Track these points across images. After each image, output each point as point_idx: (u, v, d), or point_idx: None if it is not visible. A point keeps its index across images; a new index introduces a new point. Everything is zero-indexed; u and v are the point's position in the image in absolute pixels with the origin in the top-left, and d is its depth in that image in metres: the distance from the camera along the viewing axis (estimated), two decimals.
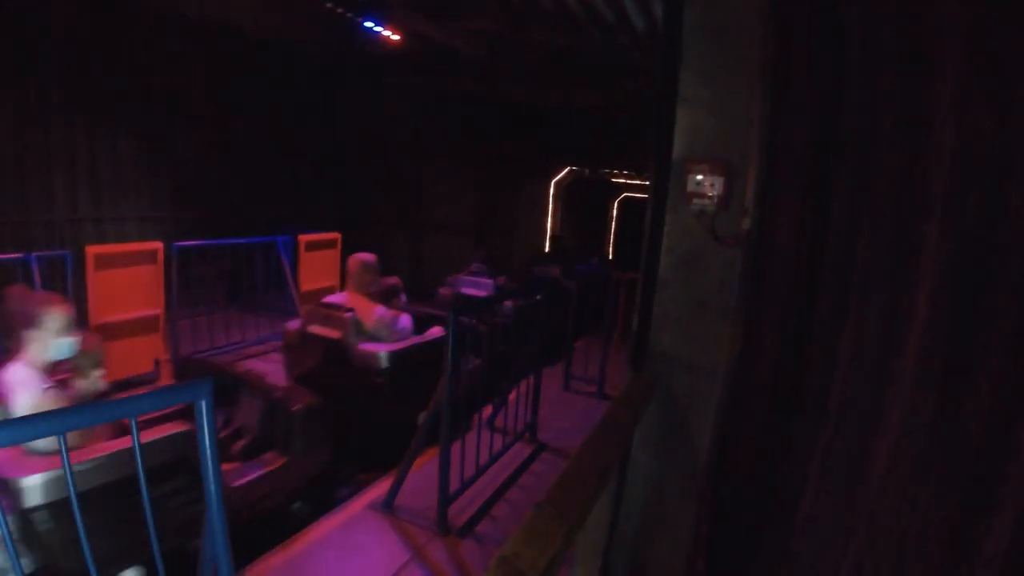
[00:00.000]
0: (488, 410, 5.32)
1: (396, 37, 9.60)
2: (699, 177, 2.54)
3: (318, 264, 8.95)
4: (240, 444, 4.36)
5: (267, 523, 3.99)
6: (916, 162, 1.88)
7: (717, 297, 2.59)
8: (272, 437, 4.34)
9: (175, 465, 3.38)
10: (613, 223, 21.66)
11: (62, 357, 3.40)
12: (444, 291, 7.84)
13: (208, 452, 1.94)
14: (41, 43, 7.87)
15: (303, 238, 8.61)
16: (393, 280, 5.93)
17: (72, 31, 8.18)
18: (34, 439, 1.61)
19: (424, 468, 4.45)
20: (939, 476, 1.73)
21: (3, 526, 1.55)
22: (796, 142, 2.47)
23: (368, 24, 8.95)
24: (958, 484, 1.68)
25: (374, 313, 5.48)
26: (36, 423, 1.60)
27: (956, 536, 1.66)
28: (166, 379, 6.37)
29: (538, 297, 5.37)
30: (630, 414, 2.46)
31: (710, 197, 2.52)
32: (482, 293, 7.16)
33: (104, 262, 6.17)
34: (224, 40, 10.14)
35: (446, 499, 3.96)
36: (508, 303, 6.13)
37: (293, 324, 5.82)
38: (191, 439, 3.18)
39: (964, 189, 1.71)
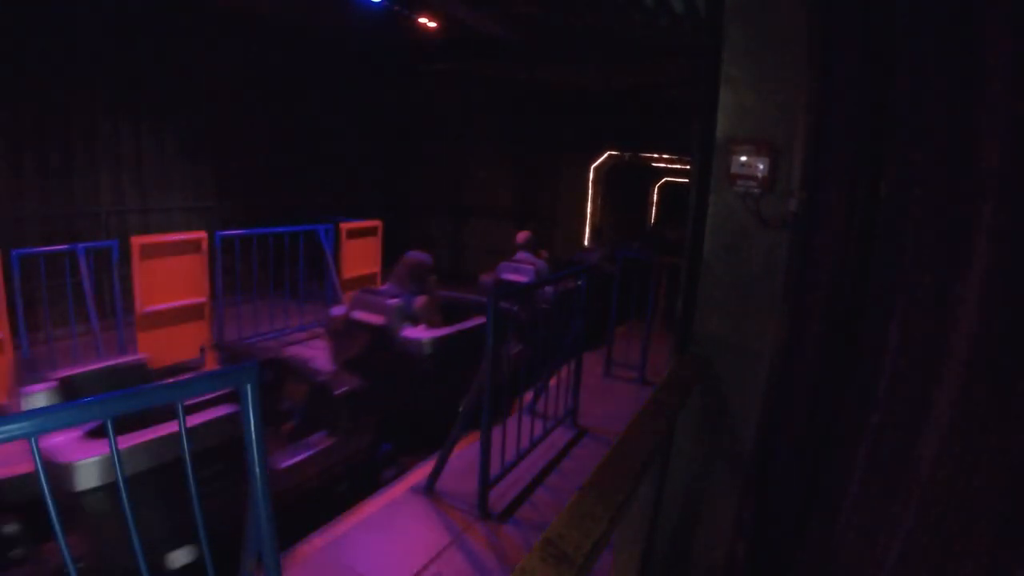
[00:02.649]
0: (529, 396, 5.34)
1: (433, 24, 9.59)
2: (743, 158, 2.49)
3: (359, 251, 9.03)
4: (288, 426, 4.46)
5: (313, 503, 4.05)
6: (967, 138, 1.82)
7: (763, 280, 2.54)
8: (317, 420, 4.43)
9: (226, 447, 3.42)
10: (654, 208, 21.46)
11: None
12: (485, 278, 7.86)
13: (253, 435, 1.96)
14: (86, 39, 8.03)
15: (344, 226, 8.68)
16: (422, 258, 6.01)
17: (115, 26, 8.32)
18: (81, 423, 1.64)
19: (465, 453, 4.48)
20: (991, 463, 1.69)
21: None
22: (843, 121, 2.40)
23: (406, 12, 8.96)
24: (1011, 471, 1.63)
25: (418, 300, 5.62)
26: (85, 408, 1.63)
27: (1006, 525, 1.61)
28: (211, 365, 6.50)
29: (578, 283, 5.35)
30: (674, 398, 2.43)
31: (755, 178, 2.47)
32: (523, 279, 7.18)
33: (149, 252, 6.30)
34: (264, 31, 10.25)
35: (487, 483, 3.98)
36: (549, 289, 6.15)
37: (338, 310, 5.93)
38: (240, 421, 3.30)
39: (1018, 165, 1.65)
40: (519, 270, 7.44)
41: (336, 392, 4.42)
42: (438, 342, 5.32)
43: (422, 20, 9.47)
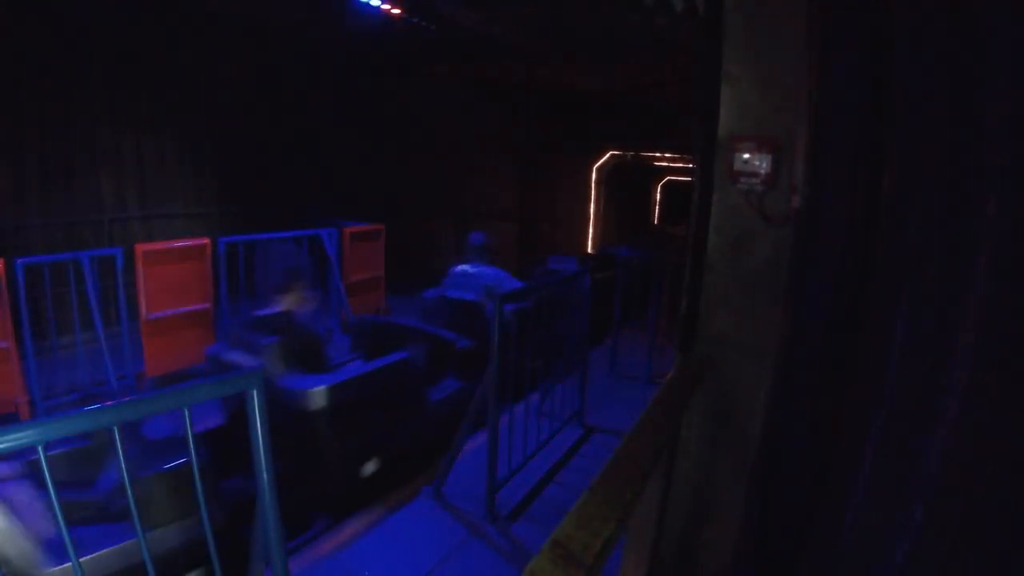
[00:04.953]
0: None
1: (433, 27, 9.59)
2: (746, 155, 2.49)
3: (363, 255, 9.04)
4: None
5: (452, 431, 4.52)
6: (970, 131, 1.81)
7: (767, 277, 2.54)
8: (440, 370, 5.76)
9: (402, 384, 4.88)
10: (656, 207, 21.46)
11: None
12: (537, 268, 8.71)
13: (260, 440, 1.96)
14: (85, 47, 8.04)
15: (348, 230, 8.69)
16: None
17: (115, 34, 8.34)
18: (89, 430, 1.65)
19: (473, 455, 4.48)
20: (1000, 457, 1.68)
21: None
22: (845, 116, 2.40)
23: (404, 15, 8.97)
24: (1020, 466, 1.62)
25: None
26: (93, 415, 1.64)
27: (1017, 519, 1.61)
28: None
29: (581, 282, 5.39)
30: (679, 397, 2.43)
31: (757, 175, 2.47)
32: (573, 268, 7.81)
33: (153, 259, 6.31)
34: (263, 37, 10.26)
35: (494, 485, 3.98)
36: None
37: (430, 293, 6.90)
38: (415, 364, 5.00)
39: (1022, 158, 1.65)
40: (564, 260, 8.53)
41: (458, 346, 5.78)
42: (519, 312, 5.74)
43: (422, 23, 9.47)
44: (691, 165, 2.82)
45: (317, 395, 3.99)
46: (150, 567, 1.80)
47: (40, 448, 1.51)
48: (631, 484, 1.72)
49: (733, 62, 2.52)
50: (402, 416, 4.92)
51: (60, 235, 7.90)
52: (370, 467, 4.62)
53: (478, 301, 6.23)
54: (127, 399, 1.73)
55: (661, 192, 21.34)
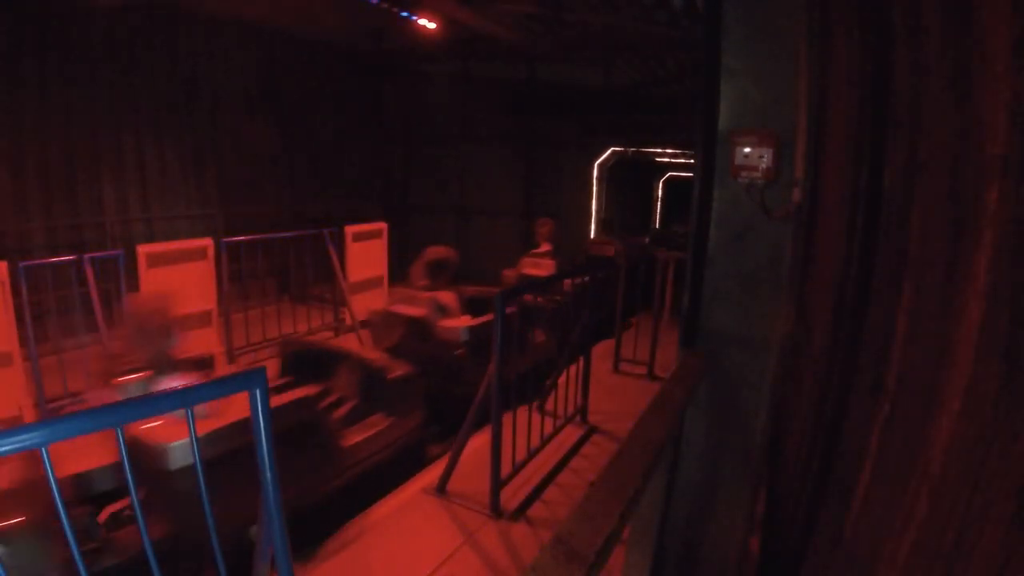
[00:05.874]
0: (547, 382, 5.37)
1: (433, 25, 9.59)
2: (747, 149, 2.48)
3: (365, 254, 9.03)
4: (342, 411, 4.85)
5: (374, 478, 4.42)
6: (970, 123, 1.80)
7: (768, 272, 2.53)
8: (372, 403, 5.00)
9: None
10: (659, 203, 21.43)
11: None
12: (508, 273, 8.33)
13: (264, 439, 1.96)
14: (87, 50, 8.05)
15: (349, 229, 8.68)
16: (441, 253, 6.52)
17: (117, 36, 8.35)
18: (93, 431, 1.64)
19: (476, 453, 4.47)
20: (1003, 451, 1.67)
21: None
22: (844, 109, 2.39)
23: (404, 13, 8.96)
24: (1023, 459, 1.62)
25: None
26: (96, 416, 1.63)
27: (1020, 514, 1.60)
28: (220, 371, 6.51)
29: (586, 278, 5.42)
30: (682, 393, 2.42)
31: (759, 169, 2.46)
32: (544, 273, 7.57)
33: (156, 260, 6.31)
34: (263, 37, 10.26)
35: (498, 483, 3.97)
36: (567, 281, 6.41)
37: (377, 305, 6.64)
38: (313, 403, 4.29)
39: (1022, 148, 1.64)
40: (539, 264, 7.85)
41: (390, 377, 4.94)
42: (474, 330, 5.76)
43: (421, 21, 9.47)
44: (692, 161, 2.82)
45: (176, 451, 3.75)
46: (154, 568, 1.81)
47: (44, 450, 1.51)
48: (634, 481, 1.72)
49: (732, 57, 2.51)
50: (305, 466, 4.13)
51: (62, 238, 7.91)
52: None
53: (427, 317, 5.91)
54: (130, 400, 1.73)
55: (663, 188, 21.31)
